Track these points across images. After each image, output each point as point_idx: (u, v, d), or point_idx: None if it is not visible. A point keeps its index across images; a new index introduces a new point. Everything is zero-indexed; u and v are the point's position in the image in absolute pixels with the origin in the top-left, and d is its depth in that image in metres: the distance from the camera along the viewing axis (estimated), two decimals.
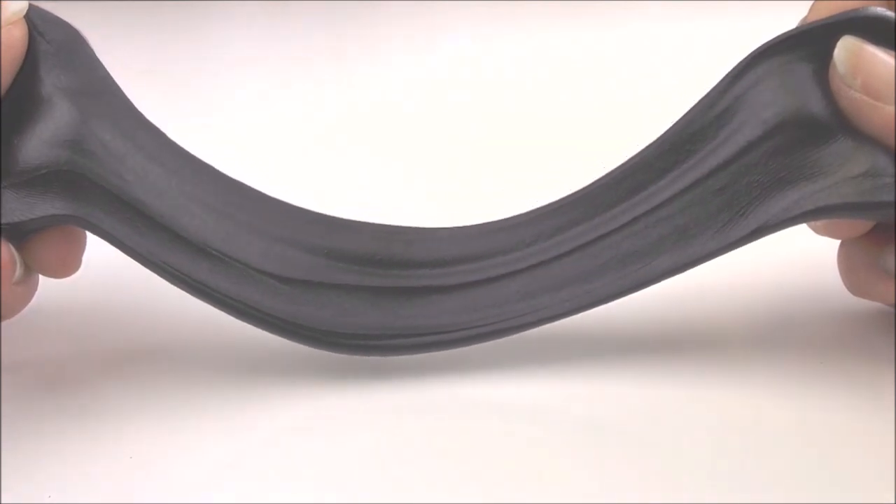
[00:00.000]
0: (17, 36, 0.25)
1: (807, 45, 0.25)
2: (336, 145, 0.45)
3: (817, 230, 0.28)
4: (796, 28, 0.26)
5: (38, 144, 0.25)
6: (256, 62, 0.50)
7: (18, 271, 0.25)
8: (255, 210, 0.28)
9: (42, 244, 0.25)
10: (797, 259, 0.31)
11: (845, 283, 0.28)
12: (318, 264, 0.27)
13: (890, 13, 0.24)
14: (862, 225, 0.26)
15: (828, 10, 0.25)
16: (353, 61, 0.50)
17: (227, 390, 0.26)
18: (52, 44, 0.26)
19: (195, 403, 0.25)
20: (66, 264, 0.26)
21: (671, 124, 0.27)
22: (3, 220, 0.24)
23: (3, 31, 0.24)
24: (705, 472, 0.22)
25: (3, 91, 0.24)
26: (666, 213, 0.27)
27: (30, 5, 0.25)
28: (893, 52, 0.23)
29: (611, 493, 0.21)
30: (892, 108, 0.23)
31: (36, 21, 0.26)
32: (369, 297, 0.27)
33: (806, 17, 0.26)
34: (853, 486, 0.21)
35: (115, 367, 0.27)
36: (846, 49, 0.24)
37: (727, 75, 0.27)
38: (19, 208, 0.24)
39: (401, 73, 0.49)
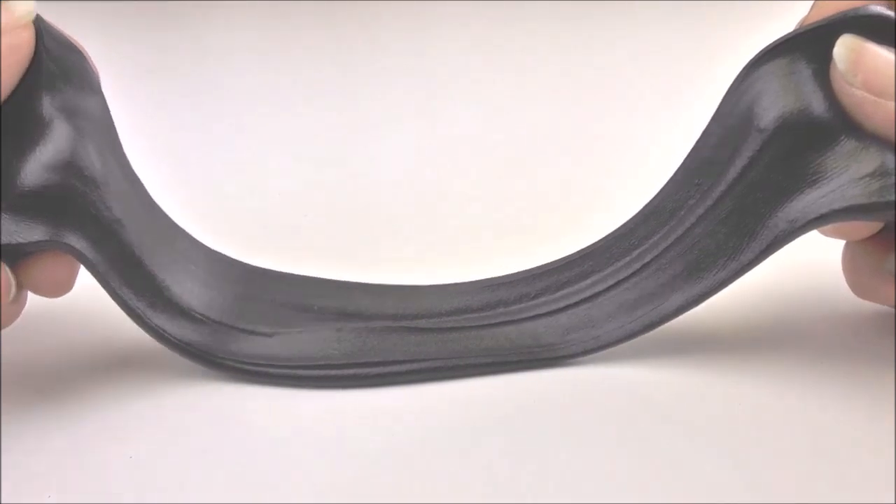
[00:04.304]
0: (25, 38, 0.24)
1: (806, 47, 0.25)
2: (330, 171, 0.45)
3: (825, 232, 0.27)
4: (795, 30, 0.25)
5: (38, 167, 0.24)
6: (256, 65, 0.50)
7: (13, 292, 0.24)
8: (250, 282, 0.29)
9: (37, 265, 0.25)
10: (800, 259, 0.31)
11: (849, 285, 0.28)
12: (301, 318, 0.28)
13: (889, 11, 0.24)
14: (870, 226, 0.26)
15: (827, 11, 0.25)
16: (354, 81, 0.50)
17: (230, 390, 0.26)
18: (57, 63, 0.25)
19: (196, 404, 0.25)
20: (60, 286, 0.26)
21: (680, 164, 0.27)
22: (3, 241, 0.23)
23: (10, 33, 0.24)
24: (702, 471, 0.22)
25: (2, 99, 0.24)
26: (676, 252, 0.27)
27: (40, 19, 0.24)
28: (894, 49, 0.23)
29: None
30: (890, 103, 0.22)
31: (45, 36, 0.25)
32: (352, 338, 0.27)
33: (805, 18, 0.26)
34: (853, 486, 0.21)
35: (115, 367, 0.27)
36: (846, 47, 0.23)
37: (726, 93, 0.26)
38: (18, 230, 0.24)
39: (404, 112, 0.49)
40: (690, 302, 0.26)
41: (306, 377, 0.26)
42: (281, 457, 0.23)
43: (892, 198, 0.23)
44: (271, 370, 0.26)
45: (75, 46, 0.26)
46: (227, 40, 0.50)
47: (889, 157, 0.23)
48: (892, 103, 0.22)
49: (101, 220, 0.25)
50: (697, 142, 0.27)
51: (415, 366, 0.26)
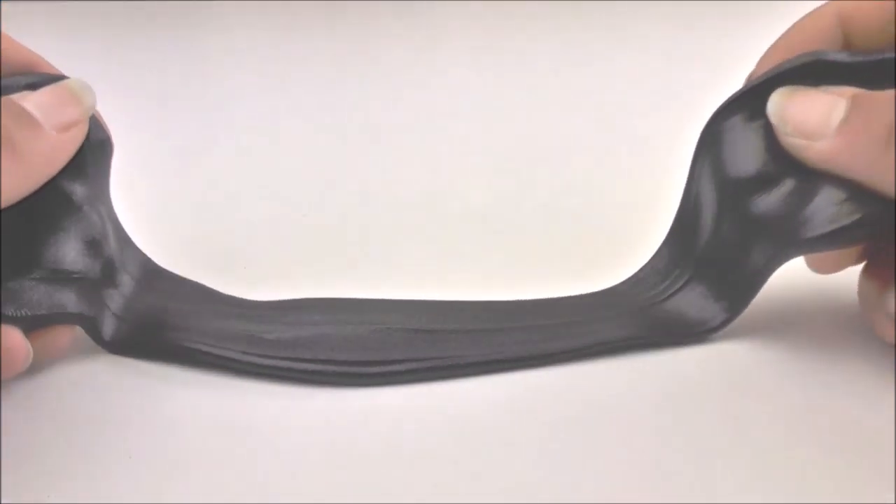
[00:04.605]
0: (83, 129, 0.26)
1: (752, 102, 0.26)
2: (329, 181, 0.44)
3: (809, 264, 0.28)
4: (741, 88, 0.27)
5: (72, 249, 0.26)
6: (255, 64, 0.50)
7: (30, 361, 0.25)
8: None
9: (46, 335, 0.26)
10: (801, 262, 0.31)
11: (865, 321, 0.27)
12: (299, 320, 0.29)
13: (821, 53, 0.25)
14: (841, 258, 0.27)
15: (773, 62, 0.26)
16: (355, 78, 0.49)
17: (229, 390, 0.26)
18: (90, 149, 0.26)
19: (197, 403, 0.25)
20: (60, 352, 0.27)
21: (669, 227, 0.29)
22: (32, 311, 0.25)
23: (78, 125, 0.26)
24: (701, 472, 0.22)
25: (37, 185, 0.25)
26: (677, 299, 0.28)
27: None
28: (831, 89, 0.25)
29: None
30: (823, 142, 0.24)
31: (91, 124, 0.26)
32: (352, 335, 0.27)
33: (752, 73, 0.27)
34: (853, 485, 0.21)
35: (114, 366, 0.27)
36: (774, 102, 0.25)
37: (694, 152, 0.28)
38: (48, 303, 0.25)
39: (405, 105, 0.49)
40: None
41: (305, 371, 0.26)
42: (280, 457, 0.23)
43: (837, 225, 0.24)
44: (267, 361, 0.26)
45: (102, 126, 0.28)
46: (225, 41, 0.50)
47: (828, 190, 0.24)
48: (821, 142, 0.24)
49: (100, 291, 0.27)
50: (679, 204, 0.29)
51: (414, 365, 0.26)
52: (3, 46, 0.26)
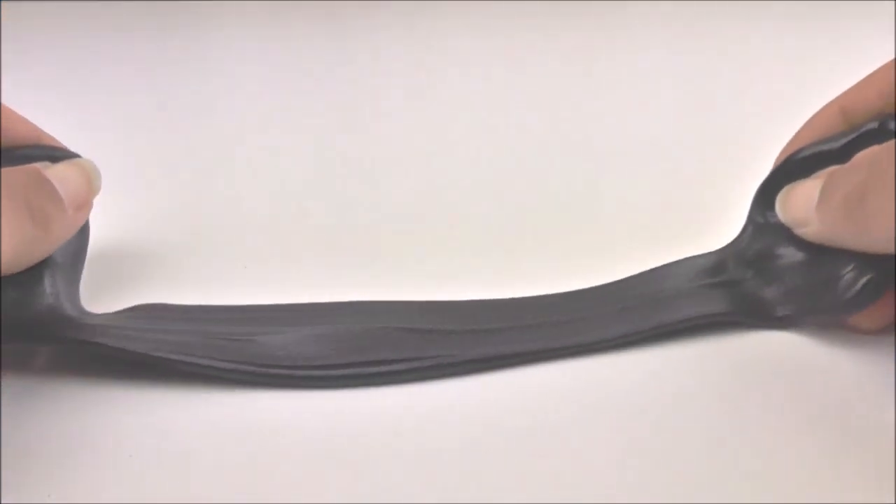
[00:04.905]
0: (89, 211, 0.28)
1: (768, 195, 0.29)
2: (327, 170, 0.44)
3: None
4: (757, 190, 0.30)
5: (12, 299, 0.26)
6: (256, 63, 0.50)
7: None
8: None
9: None
10: None
11: None
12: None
13: (816, 144, 0.28)
14: (869, 319, 0.27)
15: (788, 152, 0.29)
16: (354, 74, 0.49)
17: (229, 392, 0.26)
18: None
19: (196, 404, 0.25)
20: None
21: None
22: None
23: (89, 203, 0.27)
24: (701, 472, 0.22)
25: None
26: None
27: None
28: (820, 173, 0.27)
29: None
30: (811, 225, 0.26)
31: None
32: (350, 337, 0.27)
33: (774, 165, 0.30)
34: (853, 486, 0.21)
35: (114, 365, 0.27)
36: (777, 202, 0.28)
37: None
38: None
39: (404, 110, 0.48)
40: None
41: (305, 377, 0.26)
42: (279, 458, 0.23)
43: (854, 291, 0.26)
44: (262, 370, 0.26)
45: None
46: (225, 40, 0.50)
47: (845, 259, 0.26)
48: (807, 227, 0.27)
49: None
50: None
51: (414, 364, 0.26)
52: (4, 119, 0.27)
